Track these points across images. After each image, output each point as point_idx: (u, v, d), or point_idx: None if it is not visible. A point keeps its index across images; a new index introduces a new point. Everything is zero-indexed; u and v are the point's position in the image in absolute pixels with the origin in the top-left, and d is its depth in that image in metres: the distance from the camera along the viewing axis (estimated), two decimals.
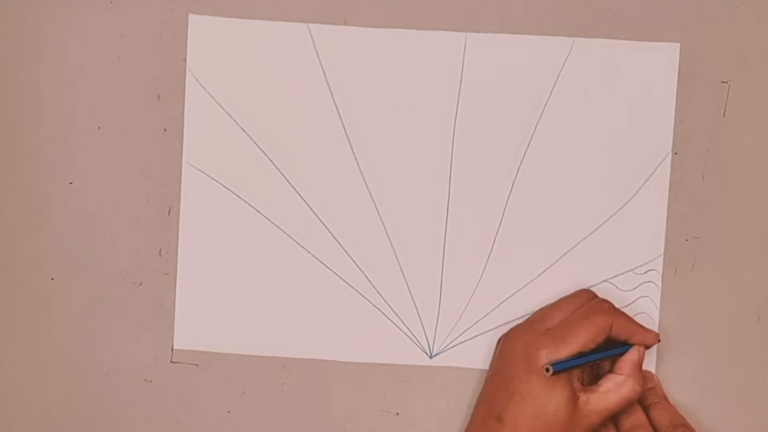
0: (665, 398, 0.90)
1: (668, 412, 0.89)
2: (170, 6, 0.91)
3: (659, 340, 0.90)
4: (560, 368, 0.84)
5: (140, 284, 0.92)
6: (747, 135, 0.91)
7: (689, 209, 0.91)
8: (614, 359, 0.88)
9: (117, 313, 0.92)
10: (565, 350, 0.85)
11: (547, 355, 0.85)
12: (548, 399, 0.84)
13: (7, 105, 0.91)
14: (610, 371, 0.88)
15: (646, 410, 0.89)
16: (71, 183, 0.92)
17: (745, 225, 0.91)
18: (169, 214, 0.92)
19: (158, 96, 0.91)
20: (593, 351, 0.86)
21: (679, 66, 0.90)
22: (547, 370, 0.84)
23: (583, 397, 0.85)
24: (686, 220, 0.91)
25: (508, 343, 0.88)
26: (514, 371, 0.85)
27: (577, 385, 0.86)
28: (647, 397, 0.90)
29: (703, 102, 0.91)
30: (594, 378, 0.89)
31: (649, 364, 0.91)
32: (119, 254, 0.92)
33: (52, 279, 0.92)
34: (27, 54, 0.91)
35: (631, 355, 0.88)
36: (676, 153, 0.91)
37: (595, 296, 0.90)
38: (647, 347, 0.89)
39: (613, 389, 0.86)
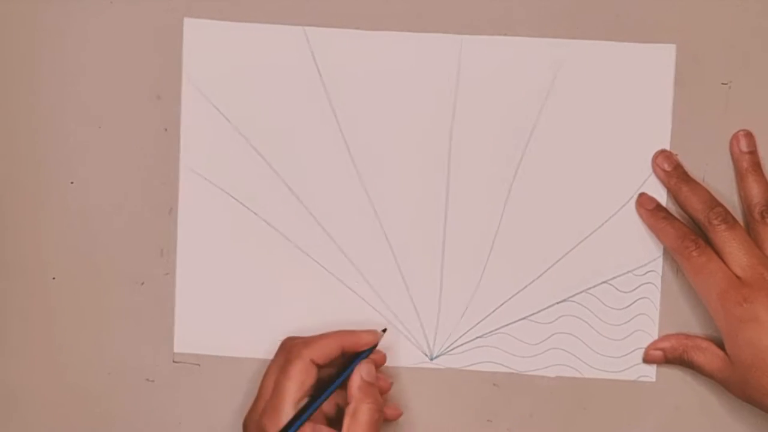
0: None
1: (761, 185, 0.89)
2: (170, 5, 0.90)
3: (384, 330, 0.88)
4: None
5: (142, 284, 0.92)
6: None
7: None
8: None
9: (119, 312, 0.92)
10: (284, 417, 0.83)
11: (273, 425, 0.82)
12: None
13: (8, 105, 0.91)
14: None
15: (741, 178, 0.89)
16: (72, 183, 0.92)
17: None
18: (170, 213, 0.92)
19: (158, 96, 0.91)
20: (314, 397, 0.84)
21: (680, 67, 0.90)
22: None
23: None
24: (687, 222, 0.90)
25: (246, 428, 0.85)
26: None
27: (324, 430, 0.84)
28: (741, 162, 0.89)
29: (704, 104, 0.90)
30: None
31: (650, 369, 0.91)
32: (120, 254, 0.92)
33: (54, 278, 0.92)
34: (27, 54, 0.91)
35: (354, 381, 0.85)
36: (676, 154, 0.91)
37: (290, 340, 0.87)
38: (376, 355, 0.88)
39: (353, 423, 0.83)
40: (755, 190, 0.89)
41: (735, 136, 0.89)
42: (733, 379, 0.86)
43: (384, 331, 0.88)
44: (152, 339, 0.92)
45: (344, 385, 0.86)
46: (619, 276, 0.91)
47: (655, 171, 0.90)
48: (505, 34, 0.90)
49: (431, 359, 0.92)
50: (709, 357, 0.88)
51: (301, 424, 0.83)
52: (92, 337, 0.92)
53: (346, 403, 0.85)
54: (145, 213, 0.92)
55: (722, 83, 0.90)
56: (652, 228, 0.90)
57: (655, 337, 0.91)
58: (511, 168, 0.91)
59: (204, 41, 0.91)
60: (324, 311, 0.92)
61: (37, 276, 0.92)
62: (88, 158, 0.91)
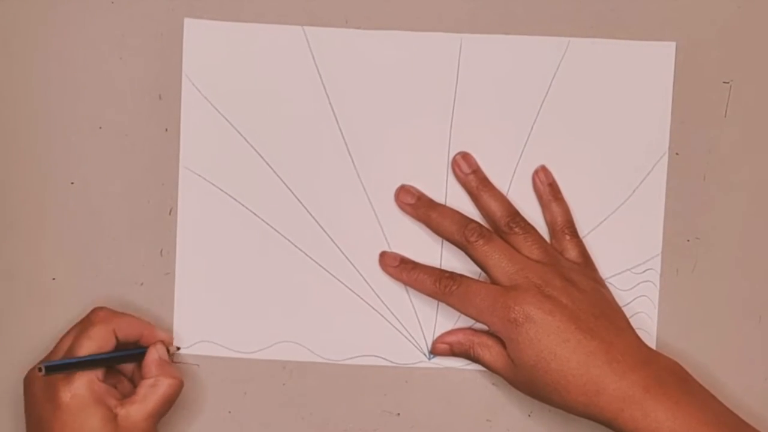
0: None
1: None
2: (171, 6, 0.91)
3: (175, 346, 0.91)
4: (54, 367, 0.83)
5: (141, 284, 0.92)
6: (748, 135, 0.91)
7: (690, 209, 0.91)
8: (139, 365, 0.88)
9: None
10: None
11: (54, 382, 0.83)
12: (83, 427, 0.83)
13: (9, 105, 0.91)
14: (141, 378, 0.87)
15: (476, 198, 0.90)
16: (72, 183, 0.92)
17: (747, 225, 0.91)
18: (170, 214, 0.92)
19: (159, 96, 0.91)
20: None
21: (681, 66, 0.90)
22: (40, 369, 0.82)
23: (121, 412, 0.84)
24: (687, 221, 0.91)
25: (28, 385, 0.86)
26: (41, 412, 0.84)
27: (113, 402, 0.85)
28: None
29: (705, 102, 0.90)
30: None
31: None
32: (120, 254, 0.92)
33: (54, 279, 0.92)
34: (28, 54, 0.91)
35: (151, 356, 0.88)
36: (677, 153, 0.90)
37: (99, 308, 0.89)
38: (172, 349, 0.90)
39: (150, 392, 0.86)
40: (494, 206, 0.89)
41: (454, 161, 0.90)
42: (519, 379, 0.86)
43: (178, 349, 0.91)
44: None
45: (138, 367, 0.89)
46: (617, 274, 0.91)
47: (399, 205, 0.91)
48: (505, 33, 0.90)
49: (429, 359, 0.92)
50: (494, 355, 0.88)
51: (75, 365, 0.84)
52: None
53: (141, 380, 0.87)
54: (145, 213, 0.92)
55: (723, 82, 0.90)
56: (406, 282, 0.90)
57: (654, 335, 0.91)
58: (509, 166, 0.91)
59: (204, 41, 0.91)
60: (323, 311, 0.92)
61: (37, 276, 0.92)
62: (88, 158, 0.92)
